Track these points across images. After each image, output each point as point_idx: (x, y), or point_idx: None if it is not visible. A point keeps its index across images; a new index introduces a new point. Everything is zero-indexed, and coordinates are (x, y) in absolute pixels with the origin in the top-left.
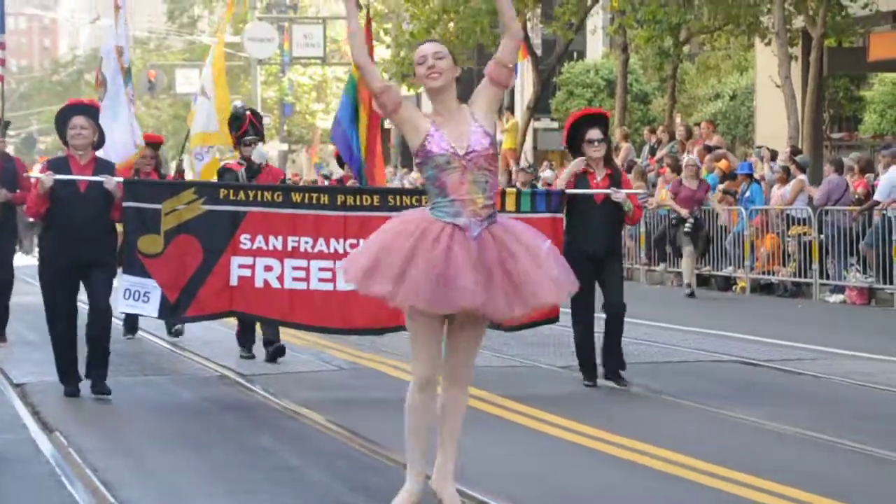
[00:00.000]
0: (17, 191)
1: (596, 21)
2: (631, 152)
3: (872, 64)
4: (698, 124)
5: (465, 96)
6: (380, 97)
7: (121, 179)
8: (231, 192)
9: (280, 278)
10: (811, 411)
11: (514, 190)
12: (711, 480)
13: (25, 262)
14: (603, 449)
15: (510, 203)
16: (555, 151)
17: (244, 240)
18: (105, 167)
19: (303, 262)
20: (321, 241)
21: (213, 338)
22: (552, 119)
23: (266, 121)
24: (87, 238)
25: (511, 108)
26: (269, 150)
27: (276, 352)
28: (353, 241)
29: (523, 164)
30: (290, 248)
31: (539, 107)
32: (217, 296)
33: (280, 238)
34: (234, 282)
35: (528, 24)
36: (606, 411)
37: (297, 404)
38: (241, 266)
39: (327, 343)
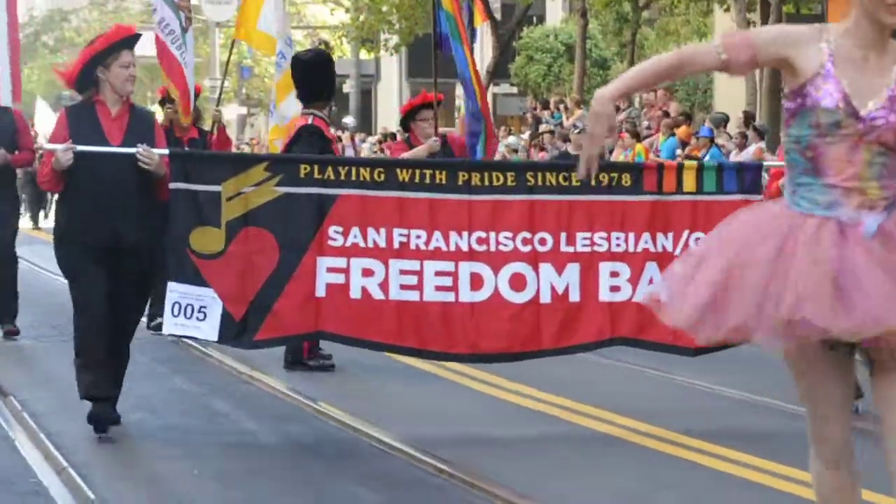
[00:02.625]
0: (18, 151)
1: None
2: (584, 119)
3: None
4: (656, 91)
5: (421, 62)
6: (732, 67)
7: (165, 152)
8: (316, 168)
9: (384, 286)
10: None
11: (693, 164)
12: None
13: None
14: None
15: (689, 181)
16: (514, 117)
17: (334, 234)
18: (142, 118)
19: (414, 264)
20: (437, 234)
21: None
22: (512, 84)
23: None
24: (120, 212)
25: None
26: (227, 114)
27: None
28: (482, 233)
29: None
30: (396, 245)
31: (498, 72)
32: (299, 311)
33: (383, 231)
34: (320, 291)
35: None
36: None
37: (252, 369)
38: (330, 269)
39: None
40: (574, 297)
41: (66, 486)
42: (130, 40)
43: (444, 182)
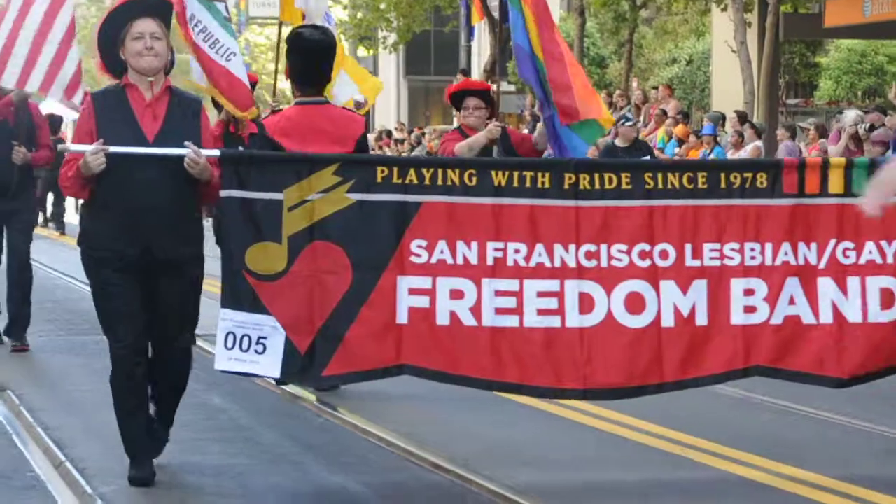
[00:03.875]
0: (36, 148)
1: None
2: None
3: (828, 30)
4: (655, 88)
5: (419, 59)
6: None
7: (215, 153)
8: (395, 170)
9: (476, 310)
10: None
11: (840, 161)
12: None
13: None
14: None
15: (835, 181)
16: (511, 114)
17: (417, 249)
18: (185, 104)
19: (512, 284)
20: (540, 248)
21: None
22: (510, 82)
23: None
24: (155, 222)
25: (466, 71)
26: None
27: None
28: (591, 246)
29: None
30: (491, 262)
31: (496, 69)
32: (376, 341)
33: (475, 245)
34: (402, 318)
35: None
36: None
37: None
38: (412, 291)
39: None
40: (701, 320)
41: (64, 481)
42: (138, 5)
43: (547, 186)
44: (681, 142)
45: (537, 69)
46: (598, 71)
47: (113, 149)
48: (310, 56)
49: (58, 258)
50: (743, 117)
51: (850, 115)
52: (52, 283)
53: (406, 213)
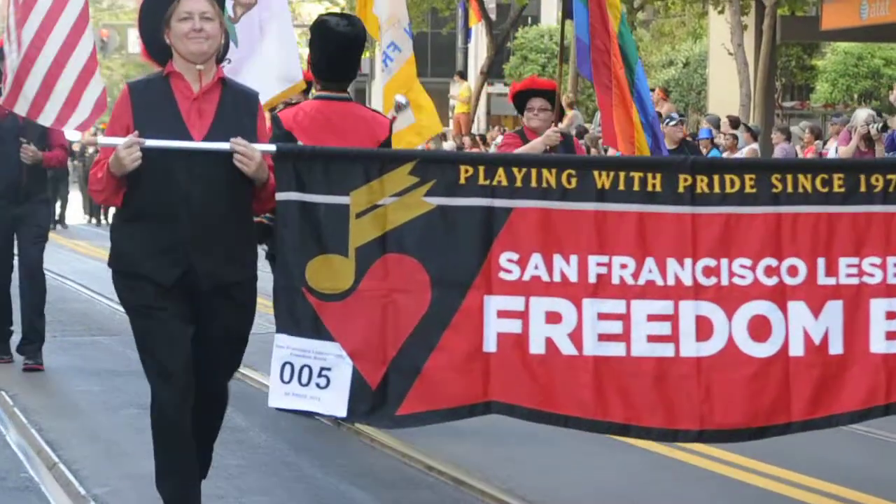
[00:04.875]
0: (48, 148)
1: None
2: (577, 118)
3: (825, 33)
4: (652, 91)
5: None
6: None
7: (271, 148)
8: (482, 170)
9: (576, 336)
10: None
11: None
12: None
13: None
14: None
15: None
16: (508, 117)
17: (507, 263)
18: (240, 98)
19: (618, 306)
20: (650, 263)
21: None
22: (505, 84)
23: None
24: (201, 235)
25: (463, 73)
26: None
27: None
28: (710, 261)
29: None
30: (593, 279)
31: (493, 71)
32: (460, 373)
33: (574, 259)
34: (489, 345)
35: None
36: None
37: (244, 366)
38: (502, 314)
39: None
40: (835, 348)
41: (58, 482)
42: None
43: (658, 189)
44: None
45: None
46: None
47: (150, 142)
48: (335, 48)
49: (52, 258)
50: (735, 122)
51: (862, 114)
52: (49, 283)
53: (494, 220)
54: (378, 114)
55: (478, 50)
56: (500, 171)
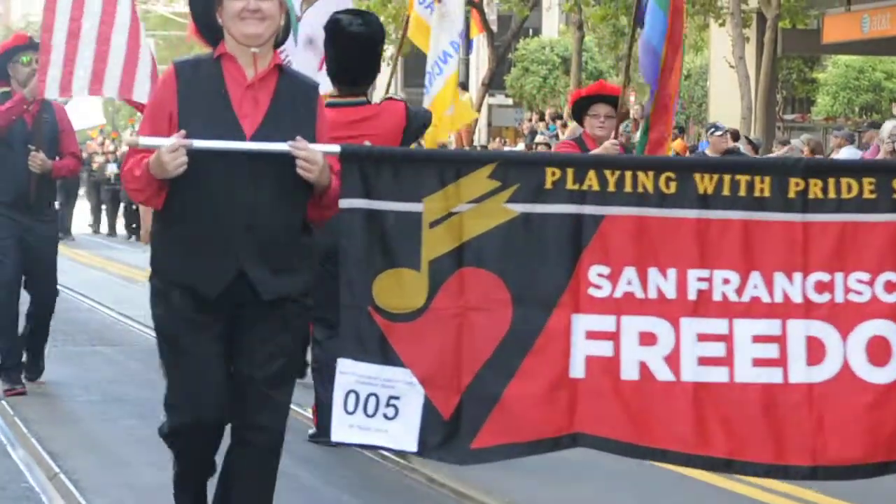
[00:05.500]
0: (59, 156)
1: None
2: (578, 130)
3: (826, 46)
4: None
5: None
6: None
7: (334, 149)
8: (571, 172)
9: (674, 360)
10: None
11: None
12: None
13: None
14: None
15: None
16: (509, 128)
17: (597, 278)
18: (297, 89)
19: (720, 326)
20: (756, 278)
21: None
22: (507, 96)
23: None
24: (253, 243)
25: (465, 85)
26: None
27: None
28: (823, 276)
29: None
30: (693, 296)
31: (494, 83)
32: (543, 402)
33: (672, 274)
34: (577, 370)
35: (485, 0)
36: None
37: None
38: (591, 335)
39: None
40: None
41: (58, 492)
42: None
43: (766, 194)
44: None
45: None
46: None
47: (199, 143)
48: (347, 48)
49: None
50: (735, 134)
51: (888, 126)
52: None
53: (583, 229)
54: (391, 101)
55: (479, 61)
56: (592, 173)
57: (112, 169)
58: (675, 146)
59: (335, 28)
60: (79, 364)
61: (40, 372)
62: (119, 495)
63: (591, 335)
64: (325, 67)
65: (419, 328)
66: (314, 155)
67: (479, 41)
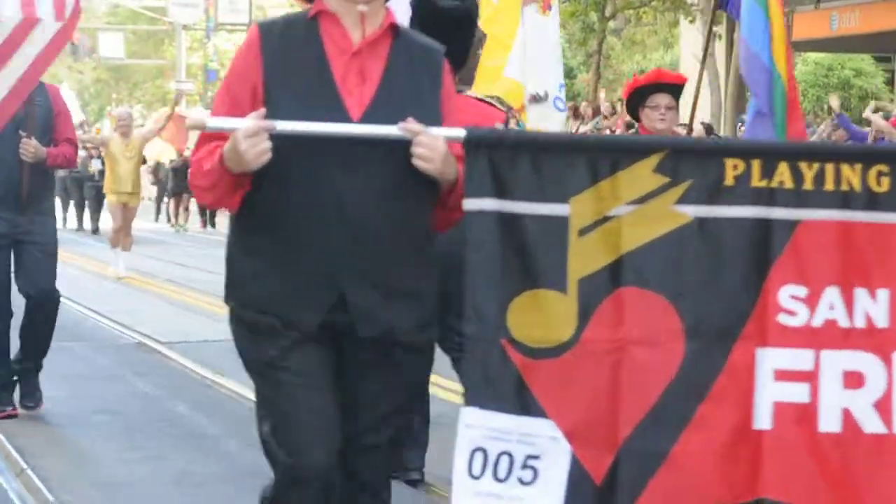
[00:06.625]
0: (53, 143)
1: None
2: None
3: (795, 43)
4: (622, 100)
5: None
6: None
7: (458, 133)
8: (757, 165)
9: (885, 407)
10: None
11: None
12: None
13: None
14: None
15: None
16: None
17: (790, 301)
18: (420, 58)
19: None
20: None
21: (135, 306)
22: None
23: (189, 87)
24: (358, 259)
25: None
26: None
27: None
28: None
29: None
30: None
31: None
32: (722, 459)
33: (885, 296)
34: (763, 420)
35: None
36: None
37: (214, 373)
38: (782, 375)
39: None
40: None
41: (26, 489)
42: None
43: None
44: None
45: (772, 82)
46: (566, 81)
47: (282, 125)
48: (436, 26)
49: None
50: (709, 128)
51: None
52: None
53: (772, 238)
54: (490, 105)
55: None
56: (783, 166)
57: (96, 165)
58: None
59: (424, 3)
60: (47, 360)
61: (38, 399)
62: (87, 492)
63: (782, 375)
64: None
65: (566, 366)
66: (433, 140)
67: None
